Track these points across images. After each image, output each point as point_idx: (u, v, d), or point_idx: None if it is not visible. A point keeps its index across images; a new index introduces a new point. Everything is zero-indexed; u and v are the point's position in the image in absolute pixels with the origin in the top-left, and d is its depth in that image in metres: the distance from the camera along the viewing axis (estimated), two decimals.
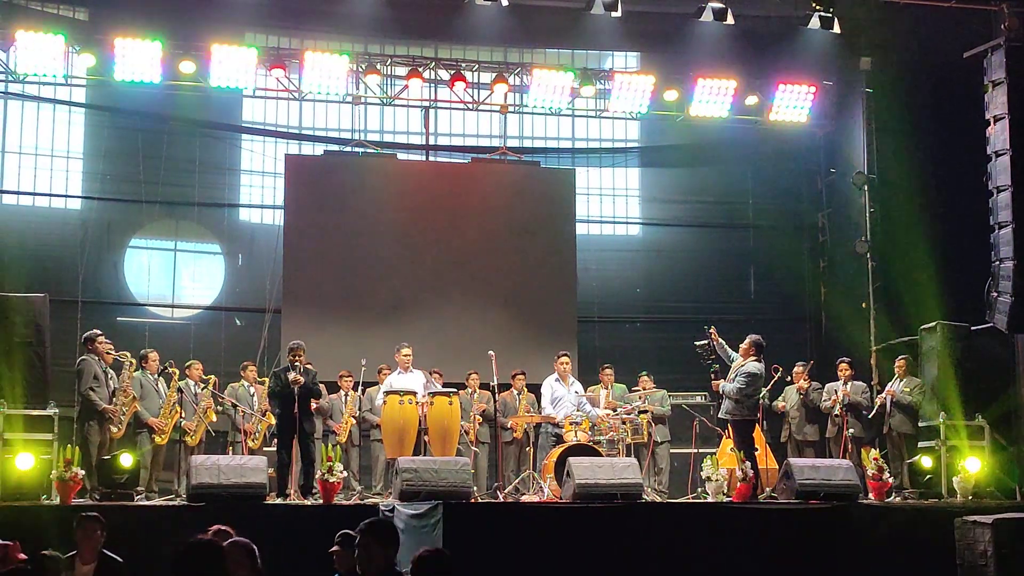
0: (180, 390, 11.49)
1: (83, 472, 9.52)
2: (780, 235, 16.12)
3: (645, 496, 10.43)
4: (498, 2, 13.98)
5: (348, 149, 15.51)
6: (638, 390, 12.90)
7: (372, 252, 14.75)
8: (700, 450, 12.24)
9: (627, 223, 16.99)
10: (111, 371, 10.96)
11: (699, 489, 11.48)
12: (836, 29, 14.51)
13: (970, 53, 12.41)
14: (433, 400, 11.18)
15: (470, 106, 15.44)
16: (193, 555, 4.30)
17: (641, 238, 16.95)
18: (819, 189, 16.16)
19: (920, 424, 11.86)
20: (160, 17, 13.73)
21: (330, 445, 10.96)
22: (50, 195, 15.08)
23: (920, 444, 11.71)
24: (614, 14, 14.05)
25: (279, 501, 10.18)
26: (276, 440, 11.17)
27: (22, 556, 6.35)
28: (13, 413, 10.17)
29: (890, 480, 10.72)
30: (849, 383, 12.21)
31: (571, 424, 11.42)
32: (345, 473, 10.54)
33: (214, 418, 11.94)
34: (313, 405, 11.19)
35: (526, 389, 12.86)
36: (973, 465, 10.95)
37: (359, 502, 10.87)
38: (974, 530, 8.91)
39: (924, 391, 11.92)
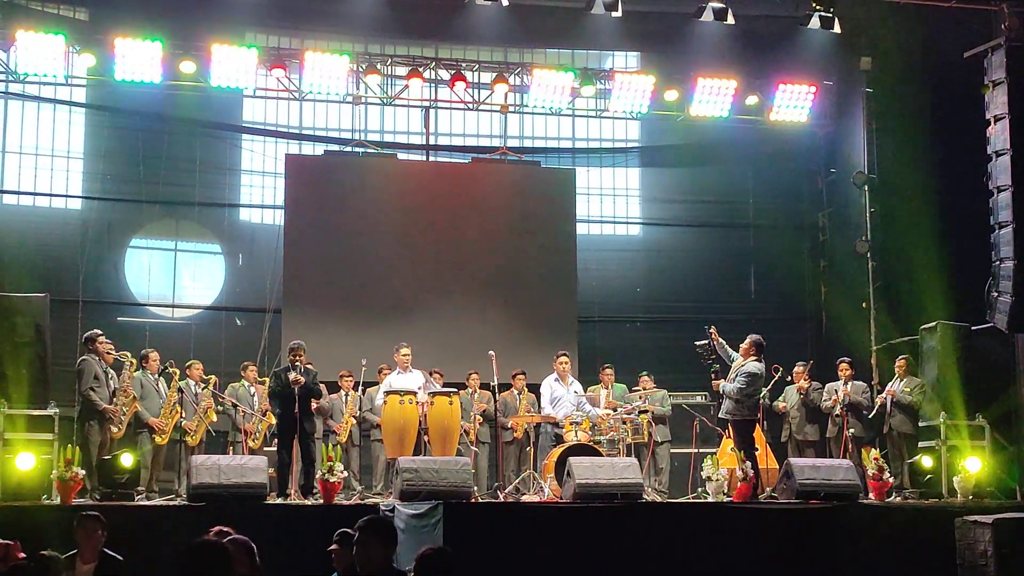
0: (180, 390, 11.49)
1: (83, 472, 9.52)
2: (780, 235, 16.13)
3: (645, 496, 10.43)
4: (498, 2, 13.97)
5: (348, 149, 15.51)
6: (638, 390, 12.90)
7: (372, 252, 14.75)
8: (700, 450, 12.24)
9: (627, 223, 16.99)
10: (111, 371, 10.96)
11: (699, 489, 11.48)
12: (836, 29, 14.50)
13: (970, 53, 12.40)
14: (433, 400, 11.18)
15: (470, 106, 15.44)
16: (199, 555, 4.30)
17: (641, 238, 16.95)
18: (819, 189, 16.16)
19: (920, 424, 11.86)
20: (160, 17, 13.73)
21: (330, 445, 10.96)
22: (51, 195, 15.09)
23: (920, 444, 11.71)
24: (614, 14, 14.04)
25: (279, 501, 10.18)
26: (276, 440, 11.17)
27: (22, 555, 6.36)
28: (14, 413, 10.17)
29: (890, 480, 10.72)
30: (849, 383, 12.21)
31: (571, 424, 11.42)
32: (345, 473, 10.54)
33: (214, 418, 11.94)
34: (313, 405, 11.19)
35: (526, 389, 12.86)
36: (973, 465, 10.95)
37: (359, 502, 10.86)
38: (974, 530, 8.91)
39: (924, 391, 11.91)
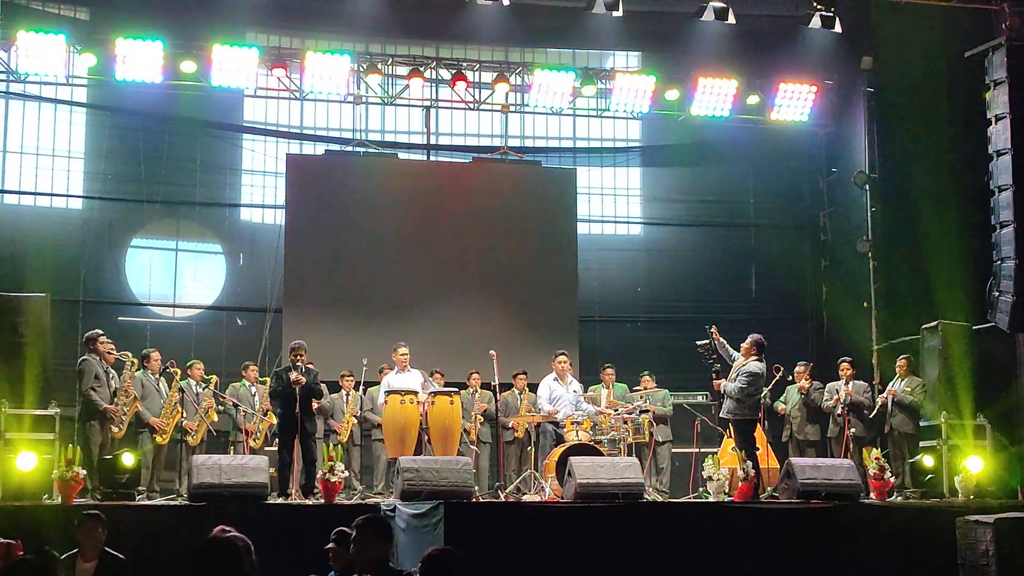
0: (181, 390, 11.49)
1: (84, 472, 9.51)
2: (781, 234, 16.14)
3: (646, 496, 10.42)
4: (499, 2, 13.97)
5: (349, 149, 15.51)
6: (639, 389, 12.90)
7: (373, 252, 14.76)
8: (701, 449, 12.25)
9: (628, 223, 17.00)
10: (112, 371, 10.95)
11: (700, 489, 11.48)
12: (837, 28, 14.50)
13: (971, 52, 12.39)
14: (434, 400, 11.17)
15: (471, 106, 15.44)
16: (212, 553, 4.31)
17: (642, 237, 16.95)
18: (820, 188, 16.15)
19: (921, 424, 11.85)
20: (161, 17, 13.74)
21: (331, 445, 10.96)
22: (51, 195, 15.09)
23: (921, 444, 11.69)
24: (615, 13, 14.04)
25: (280, 501, 10.18)
26: (277, 440, 11.18)
27: (22, 555, 6.37)
28: (15, 413, 10.16)
29: (891, 480, 10.71)
30: (850, 383, 12.20)
31: (572, 424, 11.42)
32: (346, 473, 10.54)
33: (215, 418, 11.95)
34: (314, 405, 11.19)
35: (527, 389, 12.86)
36: (975, 464, 10.93)
37: (360, 502, 10.87)
38: (975, 530, 8.91)
39: (925, 390, 11.90)
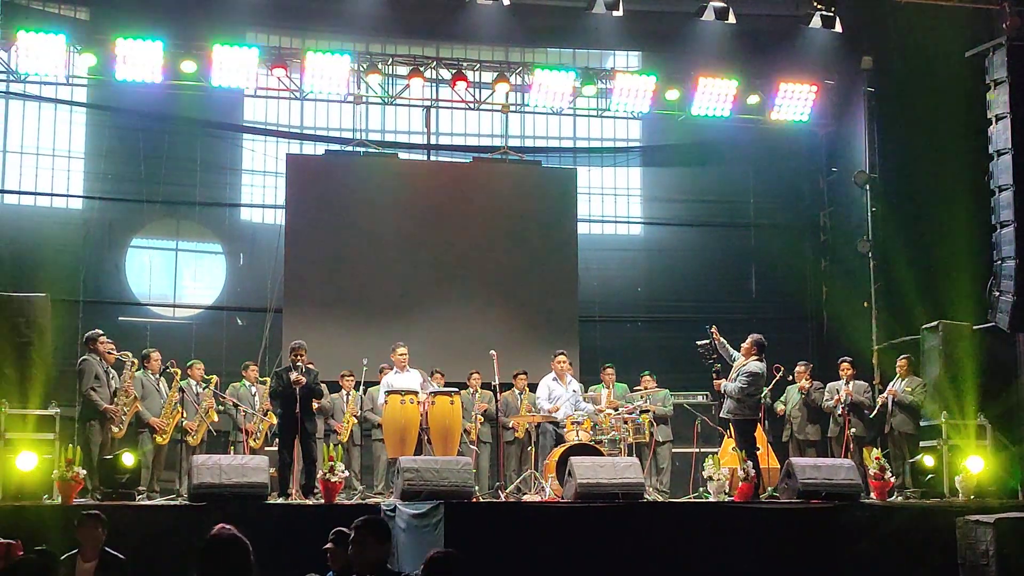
0: (182, 390, 11.49)
1: (84, 472, 9.50)
2: (782, 234, 16.14)
3: (647, 496, 10.42)
4: (499, 1, 13.97)
5: (349, 149, 15.51)
6: (640, 389, 12.89)
7: (373, 252, 14.76)
8: (702, 449, 12.25)
9: (628, 222, 17.00)
10: (112, 371, 10.95)
11: (701, 489, 11.48)
12: (838, 28, 14.50)
13: (972, 52, 12.39)
14: (435, 400, 11.17)
15: (471, 106, 15.44)
16: (220, 548, 4.32)
17: (642, 237, 16.95)
18: (821, 188, 16.16)
19: (922, 423, 11.85)
20: (161, 17, 13.75)
21: (331, 445, 10.96)
22: (51, 195, 15.09)
23: (922, 443, 11.69)
24: (615, 13, 14.04)
25: (281, 501, 10.18)
26: (278, 440, 11.17)
27: (22, 555, 6.36)
28: (15, 413, 10.16)
29: (892, 480, 10.72)
30: (851, 382, 12.20)
31: (573, 424, 11.41)
32: (347, 473, 10.54)
33: (216, 418, 11.94)
34: (315, 405, 11.19)
35: (528, 389, 12.86)
36: (975, 464, 10.93)
37: (361, 502, 10.87)
38: (976, 530, 8.91)
39: (926, 390, 11.90)
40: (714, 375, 10.77)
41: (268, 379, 11.80)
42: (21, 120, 15.00)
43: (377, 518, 5.30)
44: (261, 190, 15.87)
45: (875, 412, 12.03)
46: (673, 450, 12.87)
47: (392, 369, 12.07)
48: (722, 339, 10.85)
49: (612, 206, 16.82)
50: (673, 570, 8.43)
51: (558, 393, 11.99)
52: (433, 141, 16.22)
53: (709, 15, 14.15)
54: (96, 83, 14.33)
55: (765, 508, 9.64)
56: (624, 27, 14.61)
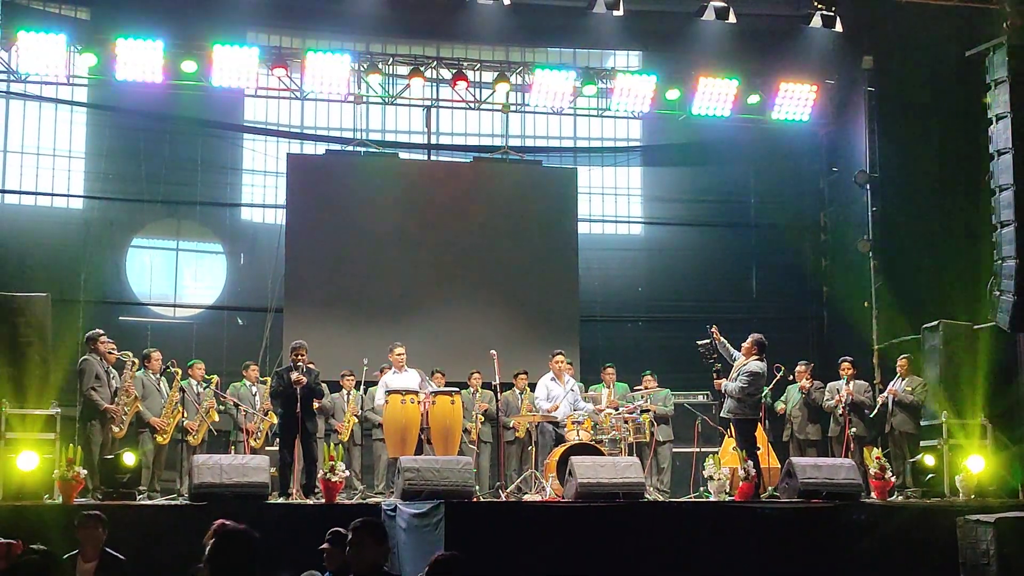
0: (182, 390, 11.50)
1: (85, 472, 9.52)
2: (782, 234, 16.13)
3: (647, 495, 10.42)
4: (500, 1, 13.98)
5: (350, 148, 15.52)
6: (640, 389, 12.89)
7: (374, 251, 14.76)
8: (702, 449, 12.25)
9: (629, 222, 16.99)
10: (113, 371, 10.96)
11: (701, 488, 11.49)
12: (838, 28, 14.51)
13: (972, 52, 12.38)
14: (435, 399, 11.17)
15: (472, 105, 15.44)
16: (229, 543, 4.34)
17: (643, 237, 16.95)
18: (821, 188, 16.16)
19: (922, 423, 11.85)
20: (162, 16, 13.75)
21: (332, 444, 10.97)
22: (52, 195, 15.09)
23: (922, 443, 11.70)
24: (616, 13, 14.06)
25: (281, 500, 10.18)
26: (278, 439, 11.18)
27: (22, 554, 6.35)
28: (15, 413, 10.17)
29: (892, 479, 10.72)
30: (851, 382, 12.20)
31: (573, 423, 11.41)
32: (347, 472, 10.54)
33: (216, 418, 11.96)
34: (315, 404, 11.19)
35: (528, 388, 12.86)
36: (976, 464, 10.93)
37: (361, 501, 10.88)
38: (976, 529, 8.90)
39: (926, 390, 11.90)
40: (715, 375, 10.76)
41: (269, 379, 11.81)
42: (22, 120, 15.00)
43: (375, 520, 5.34)
44: (262, 190, 15.88)
45: (875, 412, 12.04)
46: (674, 450, 12.88)
47: (391, 369, 12.08)
48: (723, 339, 10.85)
49: (612, 206, 16.82)
50: (673, 570, 8.43)
51: (556, 393, 11.98)
52: (433, 141, 16.22)
53: (709, 15, 14.17)
54: (96, 83, 14.33)
55: (766, 508, 9.64)
56: (624, 27, 14.62)
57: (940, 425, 11.46)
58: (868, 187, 14.59)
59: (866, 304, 14.44)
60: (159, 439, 11.28)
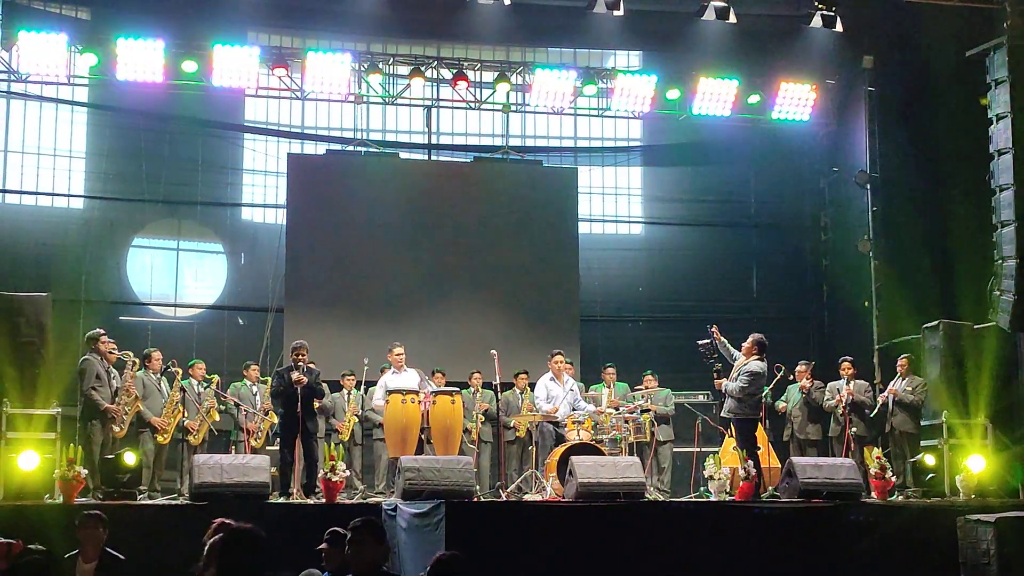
0: (183, 389, 11.50)
1: (86, 471, 9.52)
2: (783, 234, 16.15)
3: (648, 495, 10.43)
4: (500, 1, 13.97)
5: (350, 148, 15.53)
6: (641, 389, 12.90)
7: (374, 251, 14.77)
8: (703, 449, 12.25)
9: (629, 222, 17.00)
10: (114, 370, 10.96)
11: (702, 488, 11.49)
12: (838, 28, 14.50)
13: (972, 52, 12.39)
14: (435, 399, 11.17)
15: (472, 105, 15.44)
16: (237, 542, 4.35)
17: (643, 237, 16.95)
18: (821, 188, 16.16)
19: (923, 423, 11.85)
20: (162, 17, 13.75)
21: (333, 444, 10.98)
22: (53, 194, 15.10)
23: (923, 443, 11.70)
24: (616, 13, 14.05)
25: (282, 500, 10.18)
26: (279, 439, 11.18)
27: (22, 554, 6.35)
28: (16, 412, 10.17)
29: (893, 479, 10.72)
30: (852, 382, 12.20)
31: (574, 423, 11.42)
32: (348, 472, 10.54)
33: (217, 417, 11.96)
34: (316, 404, 11.19)
35: (529, 388, 12.86)
36: (976, 464, 10.93)
37: (362, 501, 10.88)
38: (977, 529, 8.91)
39: (927, 390, 11.90)
40: (715, 374, 10.77)
41: (269, 379, 11.81)
42: (22, 120, 15.01)
43: (375, 520, 5.34)
44: (262, 190, 15.88)
45: (876, 411, 12.04)
46: (674, 449, 12.88)
47: (390, 369, 12.08)
48: (723, 338, 10.85)
49: (613, 206, 16.83)
50: (674, 569, 8.43)
51: (555, 393, 11.98)
52: (434, 141, 16.22)
53: (710, 15, 14.16)
54: (97, 83, 14.33)
55: (766, 508, 9.64)
56: (625, 27, 14.61)
57: (940, 425, 11.46)
58: (868, 187, 14.60)
59: (866, 304, 14.45)
60: (160, 439, 11.28)
